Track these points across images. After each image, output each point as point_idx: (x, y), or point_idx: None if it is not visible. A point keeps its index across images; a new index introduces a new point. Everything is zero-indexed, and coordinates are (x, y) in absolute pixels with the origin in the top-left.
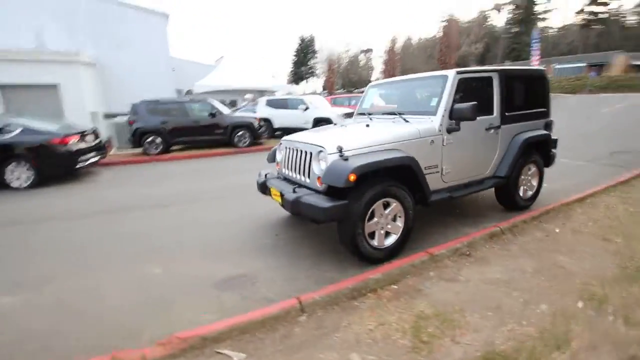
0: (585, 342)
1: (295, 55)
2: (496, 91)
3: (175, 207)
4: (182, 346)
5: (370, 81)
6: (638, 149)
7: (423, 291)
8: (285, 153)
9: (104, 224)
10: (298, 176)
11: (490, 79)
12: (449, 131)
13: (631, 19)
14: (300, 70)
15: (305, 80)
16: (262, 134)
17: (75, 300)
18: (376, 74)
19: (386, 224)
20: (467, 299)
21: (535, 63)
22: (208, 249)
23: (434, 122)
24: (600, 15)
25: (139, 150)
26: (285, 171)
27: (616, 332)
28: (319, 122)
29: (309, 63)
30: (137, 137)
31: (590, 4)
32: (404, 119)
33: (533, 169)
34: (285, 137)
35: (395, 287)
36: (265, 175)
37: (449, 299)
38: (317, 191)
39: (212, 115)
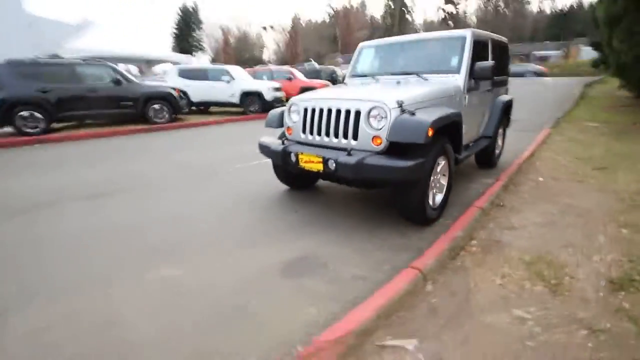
0: None
1: (177, 27)
2: (490, 55)
3: (124, 195)
4: (338, 350)
5: (263, 60)
6: (524, 118)
7: (501, 242)
8: (307, 114)
9: (41, 224)
10: (335, 139)
11: (487, 44)
12: (469, 90)
13: (474, 19)
14: (185, 43)
15: (191, 54)
16: (183, 107)
17: (94, 323)
18: (267, 53)
19: (437, 181)
20: (541, 242)
21: None
22: (230, 238)
23: (458, 80)
24: (454, 13)
25: (7, 129)
26: (308, 135)
27: None
28: (248, 95)
29: (193, 35)
30: (4, 111)
31: (446, 3)
32: (424, 78)
33: (501, 129)
34: (299, 97)
35: (475, 242)
36: (283, 141)
37: (528, 245)
38: (368, 152)
39: (116, 82)
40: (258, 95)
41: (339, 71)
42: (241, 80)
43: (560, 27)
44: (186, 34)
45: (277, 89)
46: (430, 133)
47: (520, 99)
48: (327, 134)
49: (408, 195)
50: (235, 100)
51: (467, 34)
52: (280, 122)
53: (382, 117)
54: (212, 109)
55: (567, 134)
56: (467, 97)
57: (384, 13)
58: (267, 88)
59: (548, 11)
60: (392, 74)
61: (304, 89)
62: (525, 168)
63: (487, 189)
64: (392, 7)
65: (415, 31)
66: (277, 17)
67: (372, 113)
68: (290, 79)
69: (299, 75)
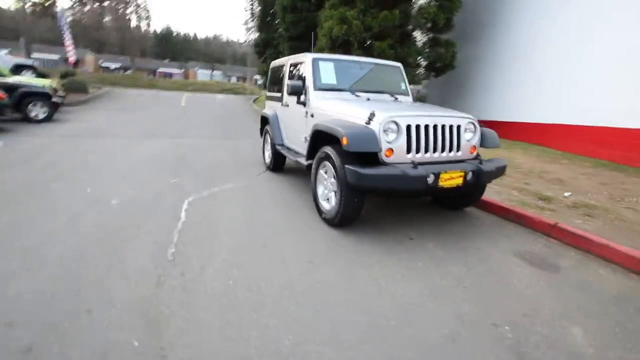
0: None
1: None
2: None
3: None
4: None
5: None
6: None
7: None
8: (412, 132)
9: None
10: (442, 153)
11: None
12: None
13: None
14: None
15: None
16: None
17: None
18: None
19: None
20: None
21: (69, 51)
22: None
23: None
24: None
25: None
26: (415, 154)
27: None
28: None
29: None
30: None
31: None
32: (396, 98)
33: None
34: (390, 114)
35: None
36: (413, 162)
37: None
38: (460, 161)
39: None
40: None
41: None
42: None
43: (163, 48)
44: None
45: None
46: None
47: (227, 111)
48: (435, 150)
49: (484, 187)
50: None
51: (400, 64)
52: (377, 144)
53: (473, 130)
54: None
55: None
56: None
57: None
58: None
59: (144, 30)
60: (366, 91)
61: None
62: None
63: None
64: None
65: None
66: None
67: (467, 127)
68: None
69: None
